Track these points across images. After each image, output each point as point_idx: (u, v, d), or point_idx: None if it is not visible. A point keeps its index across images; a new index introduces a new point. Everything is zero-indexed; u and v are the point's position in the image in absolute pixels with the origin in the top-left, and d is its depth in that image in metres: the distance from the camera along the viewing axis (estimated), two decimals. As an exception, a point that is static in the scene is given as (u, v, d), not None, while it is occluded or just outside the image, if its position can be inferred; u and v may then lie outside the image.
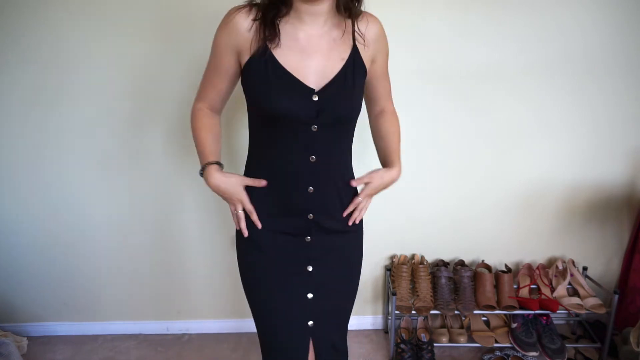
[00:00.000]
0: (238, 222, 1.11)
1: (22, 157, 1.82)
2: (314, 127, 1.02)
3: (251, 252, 1.14)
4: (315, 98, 1.01)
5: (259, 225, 1.09)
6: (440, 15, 1.69)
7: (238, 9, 1.03)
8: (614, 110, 1.80)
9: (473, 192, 1.90)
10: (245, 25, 1.02)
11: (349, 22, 1.06)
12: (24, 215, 1.90)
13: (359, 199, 1.15)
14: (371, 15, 1.11)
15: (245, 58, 1.03)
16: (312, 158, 1.04)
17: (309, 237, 1.11)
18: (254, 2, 1.03)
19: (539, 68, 1.75)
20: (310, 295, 1.12)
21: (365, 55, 1.08)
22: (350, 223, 1.15)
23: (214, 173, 1.06)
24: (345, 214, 1.14)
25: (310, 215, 1.09)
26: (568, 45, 1.73)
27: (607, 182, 1.89)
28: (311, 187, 1.06)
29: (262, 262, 1.12)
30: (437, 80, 1.76)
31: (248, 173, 1.13)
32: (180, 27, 1.69)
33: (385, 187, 1.17)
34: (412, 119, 1.81)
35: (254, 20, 1.01)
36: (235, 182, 1.07)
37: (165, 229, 1.94)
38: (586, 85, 1.78)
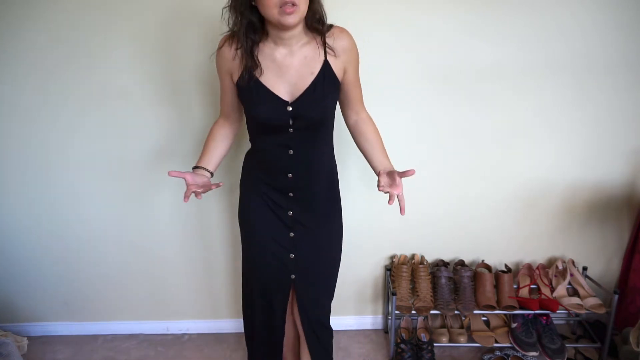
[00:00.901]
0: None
1: (25, 157, 1.82)
2: (290, 130, 1.26)
3: (247, 217, 1.42)
4: (290, 108, 1.24)
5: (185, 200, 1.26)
6: (442, 15, 1.69)
7: (223, 40, 1.26)
8: (614, 111, 1.80)
9: (473, 192, 1.90)
10: (231, 54, 1.25)
11: (320, 38, 1.24)
12: (25, 215, 1.90)
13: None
14: (340, 29, 1.27)
15: (236, 78, 1.27)
16: (290, 152, 1.30)
17: (290, 212, 1.38)
18: (234, 30, 1.21)
19: (539, 68, 1.75)
20: (292, 255, 1.39)
21: (337, 66, 1.26)
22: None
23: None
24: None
25: (291, 194, 1.36)
26: (568, 45, 1.73)
27: (607, 182, 1.89)
28: (290, 174, 1.33)
29: (254, 226, 1.40)
30: (437, 80, 1.76)
31: (246, 161, 1.45)
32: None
33: None
34: (412, 118, 1.81)
35: (237, 49, 1.23)
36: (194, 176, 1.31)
37: (166, 229, 1.94)
38: (586, 86, 1.77)
